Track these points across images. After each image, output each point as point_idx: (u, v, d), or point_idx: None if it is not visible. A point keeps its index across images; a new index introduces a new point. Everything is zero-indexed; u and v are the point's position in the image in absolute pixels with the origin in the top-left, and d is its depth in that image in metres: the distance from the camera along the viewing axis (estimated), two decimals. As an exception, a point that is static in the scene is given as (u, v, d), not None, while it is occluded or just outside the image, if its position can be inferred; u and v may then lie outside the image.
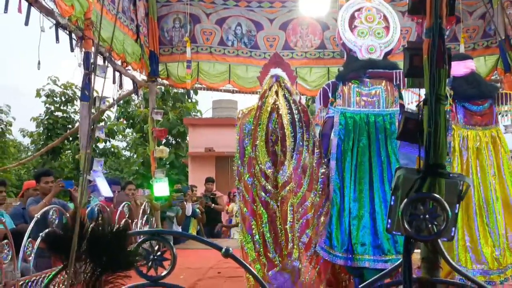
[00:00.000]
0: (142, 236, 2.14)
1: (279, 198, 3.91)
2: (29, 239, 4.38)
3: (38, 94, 20.15)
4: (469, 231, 4.35)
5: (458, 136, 4.50)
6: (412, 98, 4.78)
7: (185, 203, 9.12)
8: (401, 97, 4.75)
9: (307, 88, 9.08)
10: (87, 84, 5.70)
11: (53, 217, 4.83)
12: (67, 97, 20.56)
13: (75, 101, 20.54)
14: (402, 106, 4.69)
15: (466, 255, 4.32)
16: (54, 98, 20.49)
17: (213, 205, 10.26)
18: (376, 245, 4.33)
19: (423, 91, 1.99)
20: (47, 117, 20.25)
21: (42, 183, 5.93)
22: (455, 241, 4.30)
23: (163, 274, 2.05)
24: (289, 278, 3.80)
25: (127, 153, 25.27)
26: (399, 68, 4.70)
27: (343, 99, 4.70)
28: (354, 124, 4.60)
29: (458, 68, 4.65)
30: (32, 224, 4.45)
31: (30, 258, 4.44)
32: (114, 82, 7.61)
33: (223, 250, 2.02)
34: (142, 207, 7.35)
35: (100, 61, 6.55)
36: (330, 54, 9.24)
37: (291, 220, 3.85)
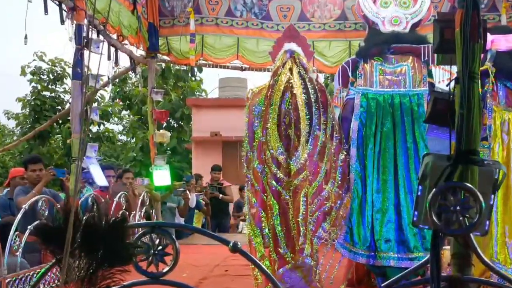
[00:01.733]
0: (141, 229, 2.17)
1: (292, 187, 3.92)
2: (17, 232, 4.45)
3: (23, 72, 20.14)
4: (509, 225, 4.34)
5: (499, 119, 4.47)
6: (443, 76, 4.76)
7: (188, 193, 9.18)
8: (430, 75, 4.73)
9: (326, 64, 9.02)
10: (79, 60, 5.73)
11: (43, 208, 4.89)
12: (55, 74, 20.58)
13: (64, 79, 20.56)
14: (431, 85, 4.67)
15: (506, 253, 4.31)
16: (41, 76, 20.52)
17: (220, 195, 10.30)
18: (401, 241, 4.35)
19: (455, 68, 1.99)
20: (33, 97, 20.29)
21: (28, 171, 5.99)
22: (494, 237, 4.29)
23: (164, 270, 2.07)
24: (303, 278, 3.83)
25: (124, 138, 25.39)
26: (428, 42, 4.67)
27: (364, 78, 4.69)
28: (377, 106, 4.59)
29: (501, 43, 4.60)
30: (19, 216, 4.51)
31: (18, 253, 4.51)
32: (109, 58, 7.64)
33: (231, 244, 2.04)
34: (141, 197, 7.41)
35: (93, 34, 6.57)
36: (352, 26, 9.16)
37: (304, 212, 3.87)
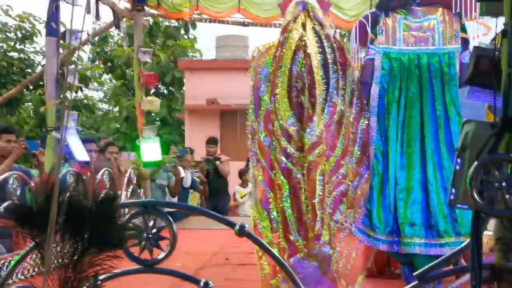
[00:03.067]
0: (131, 209, 2.16)
1: (305, 164, 3.91)
2: (-18, 214, 4.45)
3: (-15, 29, 20.13)
4: None
5: None
6: (479, 31, 4.71)
7: (180, 169, 9.17)
8: (464, 29, 4.68)
9: (343, 18, 8.90)
10: (54, 13, 5.68)
11: (14, 186, 4.89)
12: (24, 32, 20.48)
13: (35, 37, 20.47)
14: (465, 41, 4.63)
15: None
16: (7, 34, 20.44)
17: (218, 162, 10.28)
18: (429, 225, 4.36)
19: (497, 22, 1.96)
20: (-1, 59, 20.27)
21: (1, 142, 5.96)
22: None
23: (159, 257, 2.07)
24: (318, 267, 3.83)
25: (105, 106, 25.38)
26: (461, -9, 4.63)
27: (386, 35, 4.66)
28: (400, 68, 4.57)
29: None
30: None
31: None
32: (88, 11, 7.57)
33: (237, 227, 2.03)
34: (127, 175, 7.42)
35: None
36: (373, -27, 9.05)
37: (321, 193, 3.84)
